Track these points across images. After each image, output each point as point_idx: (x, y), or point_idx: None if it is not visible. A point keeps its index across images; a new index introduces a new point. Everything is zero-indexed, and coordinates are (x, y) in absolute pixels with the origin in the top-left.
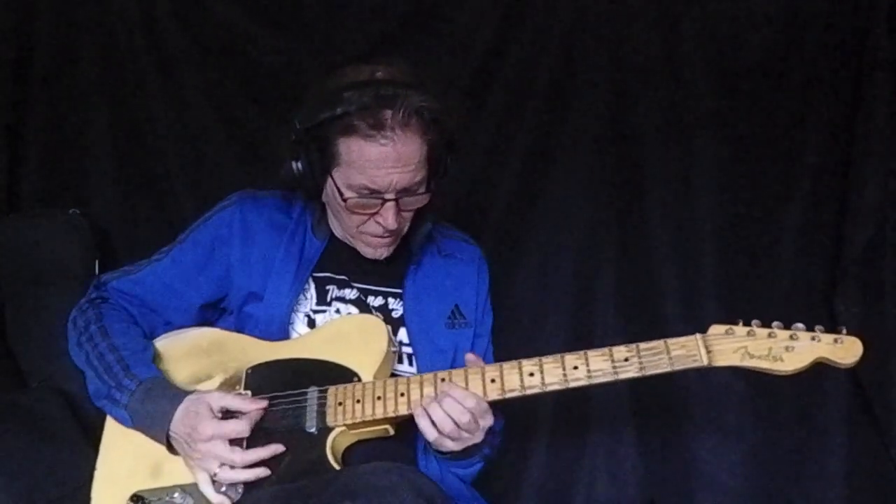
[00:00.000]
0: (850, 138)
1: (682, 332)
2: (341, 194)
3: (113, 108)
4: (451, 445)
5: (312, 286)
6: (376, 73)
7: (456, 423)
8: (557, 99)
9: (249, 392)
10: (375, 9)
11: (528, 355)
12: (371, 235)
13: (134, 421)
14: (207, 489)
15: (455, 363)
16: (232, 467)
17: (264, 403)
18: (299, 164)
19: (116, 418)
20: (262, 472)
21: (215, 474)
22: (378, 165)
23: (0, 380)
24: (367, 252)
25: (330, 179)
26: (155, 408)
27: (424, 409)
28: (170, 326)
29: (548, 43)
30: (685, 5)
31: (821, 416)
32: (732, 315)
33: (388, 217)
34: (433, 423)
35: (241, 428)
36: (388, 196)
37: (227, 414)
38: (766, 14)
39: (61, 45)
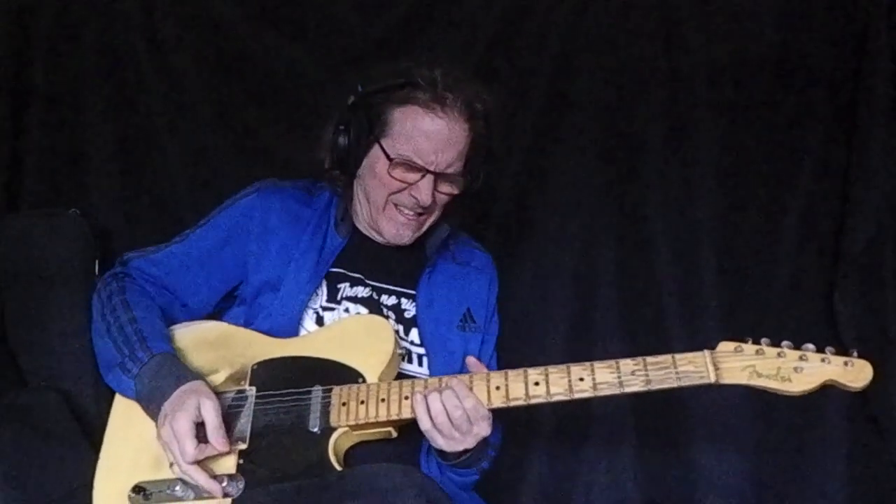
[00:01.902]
0: (849, 138)
1: (682, 332)
2: (387, 155)
3: (113, 109)
4: (440, 442)
5: (324, 283)
6: (439, 69)
7: (449, 418)
8: (557, 100)
9: (254, 388)
10: (375, 10)
11: (528, 357)
12: (400, 208)
13: (137, 392)
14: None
15: (464, 365)
16: (180, 468)
17: (226, 449)
18: (346, 136)
19: (120, 389)
20: (213, 489)
21: (171, 465)
22: (429, 138)
23: (0, 380)
24: (390, 233)
25: (374, 149)
26: (161, 383)
27: (424, 397)
28: (185, 309)
29: (547, 44)
30: (686, 4)
31: (820, 416)
32: (732, 315)
33: (424, 191)
34: (429, 412)
35: (191, 451)
36: (430, 168)
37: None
38: (766, 14)
39: (62, 46)
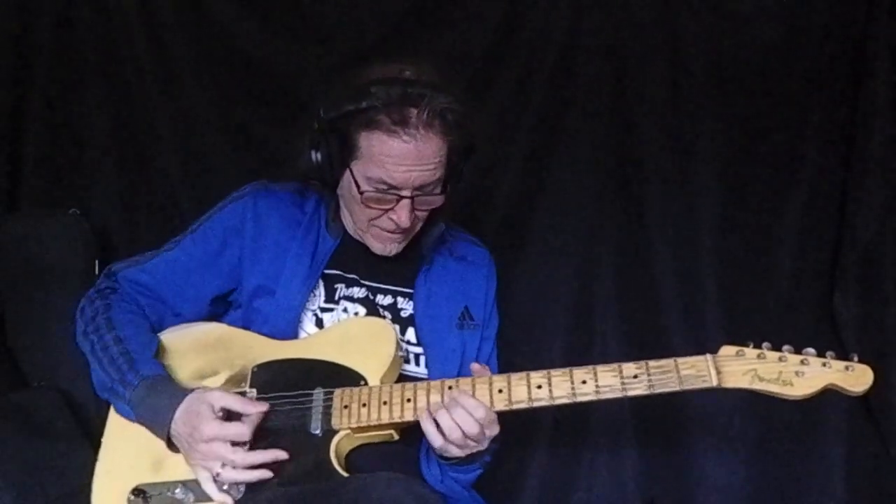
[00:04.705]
0: (850, 138)
1: (682, 331)
2: (358, 187)
3: (113, 109)
4: (455, 452)
5: (321, 284)
6: (405, 72)
7: (464, 433)
8: (557, 101)
9: (254, 390)
10: (375, 10)
11: (528, 355)
12: (382, 230)
13: (136, 416)
14: (209, 487)
15: (463, 363)
16: (234, 467)
17: (265, 406)
18: (318, 155)
19: (120, 411)
20: (265, 473)
21: (218, 474)
22: (398, 161)
23: (0, 380)
24: (377, 247)
25: (348, 172)
26: (157, 404)
27: (431, 415)
28: (179, 318)
29: (547, 44)
30: (686, 5)
31: (820, 416)
32: (732, 314)
33: (402, 215)
34: (440, 429)
35: (242, 431)
36: (404, 193)
37: (228, 414)
38: (766, 13)
39: (61, 46)
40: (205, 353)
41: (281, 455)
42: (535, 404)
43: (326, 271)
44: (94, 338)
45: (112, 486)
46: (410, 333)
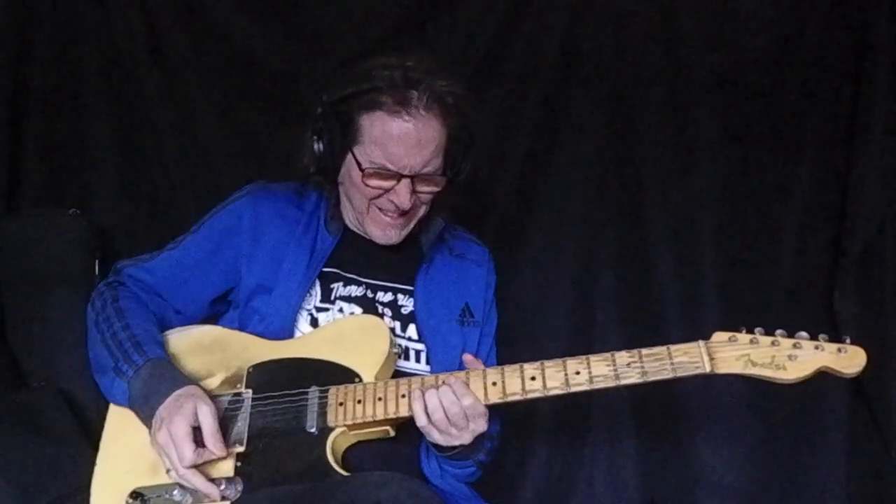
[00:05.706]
0: (850, 138)
1: (681, 331)
2: (359, 165)
3: (113, 109)
4: (436, 437)
5: (318, 283)
6: (406, 62)
7: (445, 414)
8: (557, 99)
9: (250, 391)
10: (374, 11)
11: (528, 354)
12: (382, 212)
13: (131, 396)
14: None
15: (463, 361)
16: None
17: (223, 454)
18: (320, 143)
19: (112, 394)
20: (210, 492)
21: (168, 471)
22: (398, 142)
23: (0, 380)
24: (377, 234)
25: (349, 157)
26: (156, 387)
27: (422, 394)
28: (180, 315)
29: (547, 44)
30: (686, 4)
31: (820, 415)
32: (731, 314)
33: (402, 195)
34: (426, 408)
35: (187, 457)
36: (404, 173)
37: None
38: (766, 13)
39: (62, 46)
40: (201, 355)
41: (210, 492)
42: (530, 395)
43: (324, 270)
44: (105, 327)
45: (110, 490)
46: (412, 330)
